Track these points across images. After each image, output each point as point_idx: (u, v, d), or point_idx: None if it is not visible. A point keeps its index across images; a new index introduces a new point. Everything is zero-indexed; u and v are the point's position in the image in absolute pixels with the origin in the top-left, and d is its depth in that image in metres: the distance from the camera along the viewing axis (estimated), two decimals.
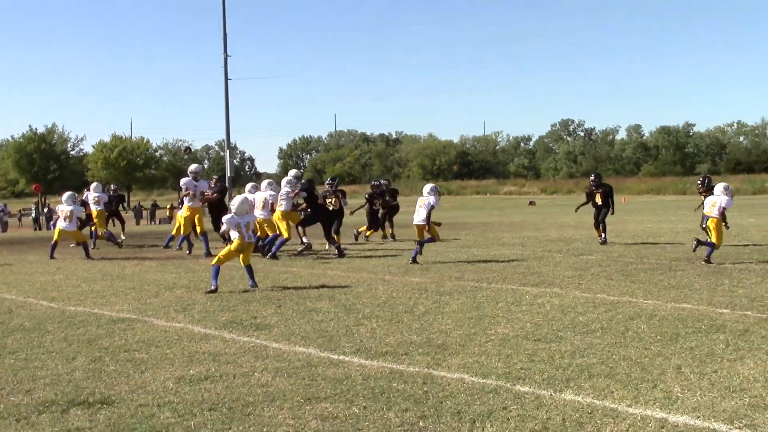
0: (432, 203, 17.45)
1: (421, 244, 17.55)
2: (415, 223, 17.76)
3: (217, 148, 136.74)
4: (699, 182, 21.53)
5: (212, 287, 13.93)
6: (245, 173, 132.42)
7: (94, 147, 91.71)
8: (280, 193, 19.77)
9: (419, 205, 17.65)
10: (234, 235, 14.10)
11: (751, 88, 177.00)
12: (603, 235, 21.48)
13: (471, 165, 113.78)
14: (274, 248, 19.15)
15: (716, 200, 16.49)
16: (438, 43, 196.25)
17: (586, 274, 15.15)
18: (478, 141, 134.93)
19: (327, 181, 22.22)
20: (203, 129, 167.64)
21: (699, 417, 6.45)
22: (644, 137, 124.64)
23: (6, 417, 6.78)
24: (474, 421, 6.45)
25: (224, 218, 14.34)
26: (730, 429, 6.16)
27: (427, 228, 17.50)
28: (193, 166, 21.76)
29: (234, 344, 9.67)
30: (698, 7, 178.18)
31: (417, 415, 6.65)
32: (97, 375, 8.28)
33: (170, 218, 38.87)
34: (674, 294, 12.57)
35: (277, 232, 19.46)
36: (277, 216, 19.41)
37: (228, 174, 45.81)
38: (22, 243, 30.02)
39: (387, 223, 25.37)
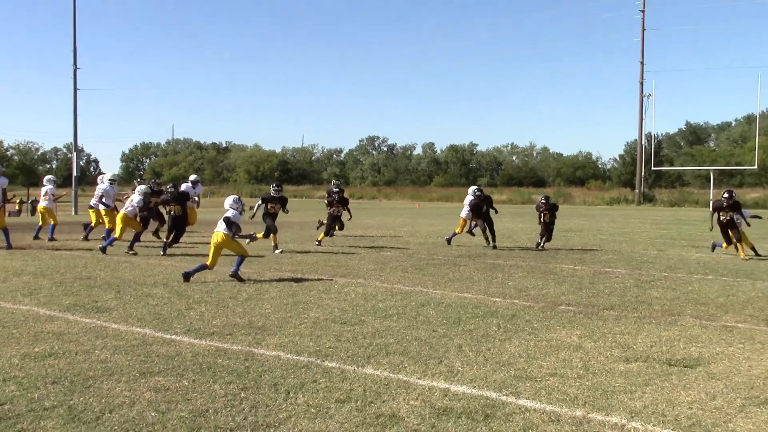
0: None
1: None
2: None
3: (65, 150, 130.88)
4: None
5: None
6: (90, 173, 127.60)
7: None
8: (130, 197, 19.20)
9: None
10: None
11: (522, 114, 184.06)
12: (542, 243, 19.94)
13: (290, 172, 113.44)
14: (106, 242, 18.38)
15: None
16: (263, 61, 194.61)
17: (386, 268, 15.39)
18: (297, 151, 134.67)
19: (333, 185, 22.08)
20: (52, 133, 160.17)
21: (475, 386, 6.69)
22: (437, 153, 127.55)
23: None
24: (288, 392, 6.47)
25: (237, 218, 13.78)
26: (499, 396, 6.42)
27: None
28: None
29: (76, 325, 9.33)
30: (472, 39, 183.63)
31: (239, 387, 6.61)
32: None
33: (19, 211, 36.87)
34: (457, 285, 12.95)
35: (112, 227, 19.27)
36: (119, 217, 18.59)
37: (74, 174, 44.11)
38: None
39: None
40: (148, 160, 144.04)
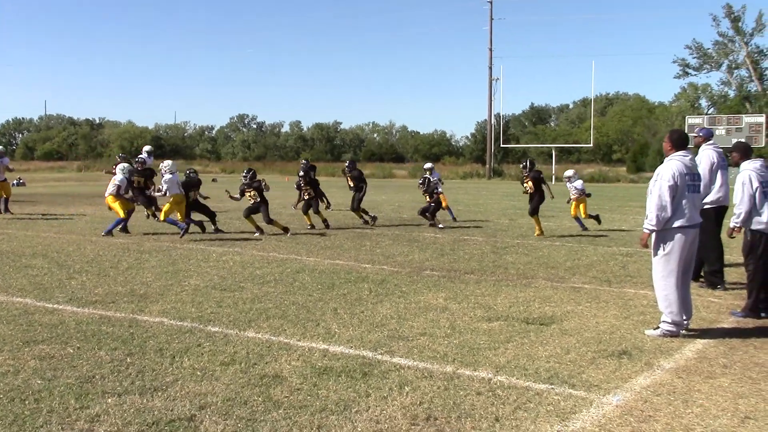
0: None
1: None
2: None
3: None
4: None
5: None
6: None
7: None
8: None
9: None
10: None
11: (382, 95, 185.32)
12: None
13: (164, 147, 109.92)
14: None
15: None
16: (135, 38, 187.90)
17: (261, 237, 15.14)
18: (170, 128, 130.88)
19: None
20: None
21: (352, 347, 6.67)
22: (303, 131, 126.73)
23: None
24: (174, 356, 6.27)
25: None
26: (374, 354, 6.42)
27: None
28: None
29: None
30: (335, 25, 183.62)
31: (125, 353, 6.35)
32: None
33: None
34: (329, 253, 12.88)
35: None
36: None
37: None
38: None
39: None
40: (21, 135, 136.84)
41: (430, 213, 17.48)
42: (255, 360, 6.20)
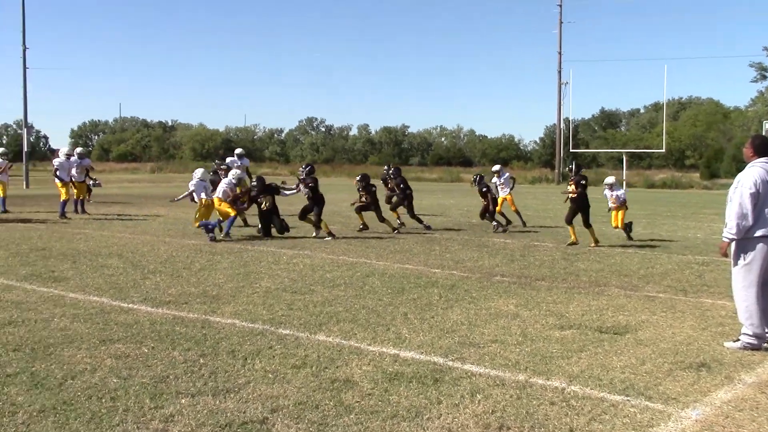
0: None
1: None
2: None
3: (15, 126, 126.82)
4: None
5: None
6: (40, 149, 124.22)
7: None
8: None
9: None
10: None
11: (451, 99, 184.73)
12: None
13: (234, 150, 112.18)
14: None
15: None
16: (206, 44, 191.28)
17: (330, 240, 15.21)
18: (240, 131, 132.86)
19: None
20: (2, 110, 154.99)
21: (423, 352, 6.61)
22: (371, 134, 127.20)
23: None
24: (246, 358, 6.30)
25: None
26: (445, 361, 6.35)
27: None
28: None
29: (34, 294, 8.99)
30: (403, 30, 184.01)
31: (198, 354, 6.41)
32: None
33: None
34: (399, 257, 12.85)
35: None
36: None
37: (25, 149, 42.87)
38: None
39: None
40: (96, 137, 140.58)
41: (489, 215, 17.44)
42: (326, 364, 6.19)
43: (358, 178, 17.49)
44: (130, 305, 8.42)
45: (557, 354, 6.67)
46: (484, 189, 17.77)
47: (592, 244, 14.98)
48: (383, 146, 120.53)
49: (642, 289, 10.17)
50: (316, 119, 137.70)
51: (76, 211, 20.78)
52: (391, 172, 19.20)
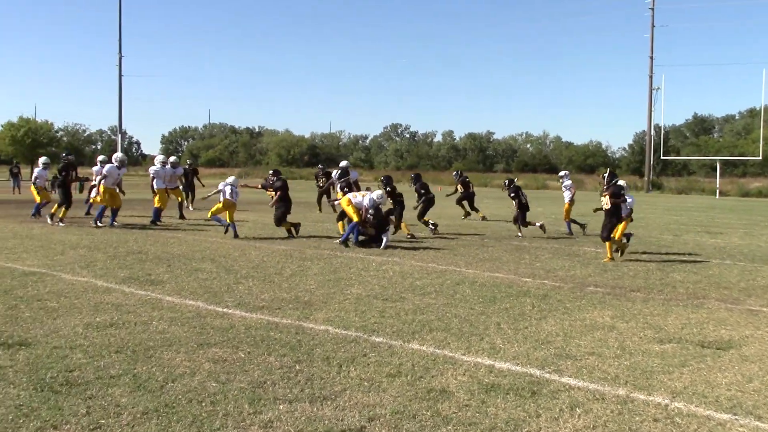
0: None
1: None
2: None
3: (109, 132, 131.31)
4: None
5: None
6: (132, 154, 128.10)
7: (2, 126, 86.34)
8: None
9: None
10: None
11: (536, 106, 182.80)
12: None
13: (319, 156, 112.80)
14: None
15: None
16: (293, 51, 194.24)
17: (419, 247, 15.17)
18: (325, 137, 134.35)
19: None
20: (98, 116, 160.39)
21: (518, 363, 6.50)
22: (455, 141, 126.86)
23: None
24: (341, 365, 6.31)
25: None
26: (542, 373, 6.22)
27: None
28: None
29: (133, 297, 9.22)
30: (489, 34, 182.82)
31: (293, 360, 6.45)
32: (14, 320, 7.73)
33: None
34: (488, 265, 12.72)
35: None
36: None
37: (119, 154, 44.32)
38: None
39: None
40: (186, 143, 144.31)
41: (520, 221, 17.33)
42: (421, 373, 6.14)
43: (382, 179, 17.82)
44: (225, 309, 8.54)
45: (658, 368, 6.47)
46: (512, 195, 17.94)
47: (607, 259, 13.63)
48: (468, 153, 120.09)
49: (743, 302, 9.79)
50: (401, 125, 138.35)
51: (182, 216, 21.44)
52: (411, 177, 20.06)
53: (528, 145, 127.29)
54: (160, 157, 21.70)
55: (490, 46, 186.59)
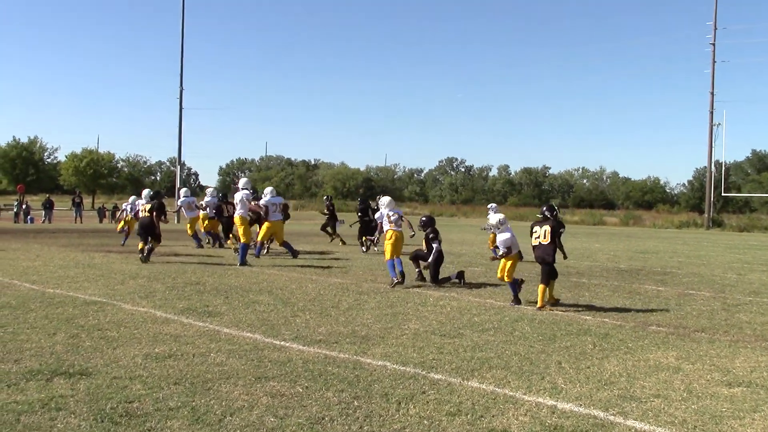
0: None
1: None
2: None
3: (168, 163, 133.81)
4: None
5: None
6: (190, 185, 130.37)
7: (66, 157, 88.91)
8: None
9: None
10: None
11: (593, 140, 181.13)
12: None
13: (373, 189, 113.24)
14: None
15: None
16: (349, 84, 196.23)
17: (476, 283, 15.00)
18: (380, 170, 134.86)
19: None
20: (158, 147, 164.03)
21: (581, 405, 6.32)
22: (511, 175, 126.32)
23: None
24: (399, 402, 6.21)
25: None
26: (606, 415, 6.04)
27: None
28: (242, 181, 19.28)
29: (191, 328, 9.25)
30: (545, 68, 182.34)
31: (351, 396, 6.37)
32: (75, 349, 7.81)
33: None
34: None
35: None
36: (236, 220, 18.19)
37: (178, 186, 45.09)
38: (4, 233, 28.65)
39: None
40: (243, 174, 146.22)
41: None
42: (481, 412, 6.00)
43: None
44: (282, 342, 8.51)
45: (727, 413, 6.22)
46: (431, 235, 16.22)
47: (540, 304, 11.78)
48: (523, 187, 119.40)
49: None
50: (456, 159, 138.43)
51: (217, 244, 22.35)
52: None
53: (584, 180, 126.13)
54: (210, 189, 22.65)
55: (548, 80, 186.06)
